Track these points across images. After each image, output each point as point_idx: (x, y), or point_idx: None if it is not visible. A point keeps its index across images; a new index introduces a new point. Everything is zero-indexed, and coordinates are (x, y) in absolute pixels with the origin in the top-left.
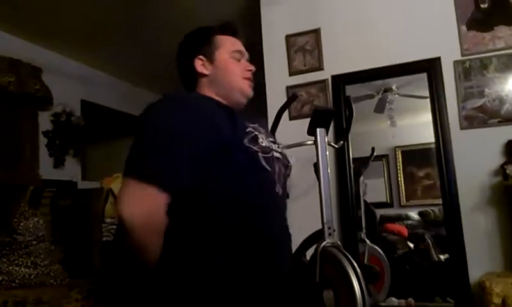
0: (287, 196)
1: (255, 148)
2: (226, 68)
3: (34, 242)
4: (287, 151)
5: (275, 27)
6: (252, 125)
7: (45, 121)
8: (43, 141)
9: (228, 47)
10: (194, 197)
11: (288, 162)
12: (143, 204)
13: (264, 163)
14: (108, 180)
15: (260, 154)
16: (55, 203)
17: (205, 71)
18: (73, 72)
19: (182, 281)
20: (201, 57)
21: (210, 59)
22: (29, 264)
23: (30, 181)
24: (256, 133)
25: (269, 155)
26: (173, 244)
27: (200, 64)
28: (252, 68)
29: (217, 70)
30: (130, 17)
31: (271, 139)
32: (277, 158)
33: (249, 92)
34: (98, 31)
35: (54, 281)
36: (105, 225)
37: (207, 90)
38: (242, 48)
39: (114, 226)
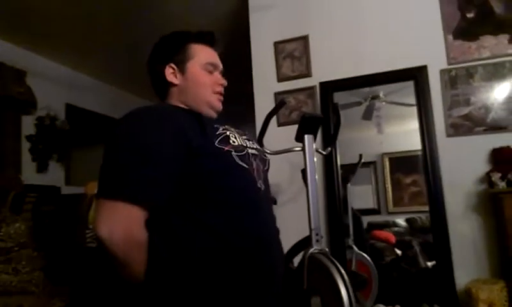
0: (275, 202)
1: (226, 148)
2: (196, 81)
3: (15, 248)
4: (275, 158)
5: (263, 34)
6: (222, 127)
7: (28, 125)
8: (26, 145)
9: (202, 58)
10: (176, 206)
11: (265, 156)
12: (119, 222)
13: (239, 161)
14: (92, 185)
15: (233, 153)
16: (37, 208)
17: (175, 81)
18: (58, 76)
19: (175, 290)
20: (172, 65)
21: (182, 69)
22: (10, 271)
23: (12, 186)
24: (228, 133)
25: (243, 152)
26: (161, 255)
27: (170, 73)
28: (223, 82)
29: (188, 81)
30: (117, 22)
31: (245, 137)
32: (253, 154)
33: (218, 106)
34: (85, 34)
35: (35, 288)
36: (89, 231)
37: (175, 99)
38: (217, 61)
39: None
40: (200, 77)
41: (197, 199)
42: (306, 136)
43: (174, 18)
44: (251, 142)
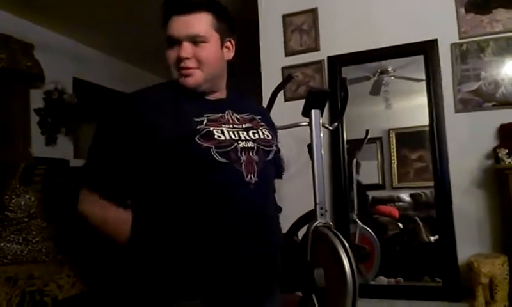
0: (280, 176)
1: (206, 144)
2: (167, 61)
3: (25, 219)
4: (282, 132)
5: (272, 7)
6: (213, 117)
7: (36, 98)
8: (35, 118)
9: (166, 33)
10: (153, 199)
11: (271, 146)
12: (92, 207)
13: (218, 157)
14: None
15: (213, 150)
16: (47, 180)
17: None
18: (66, 49)
19: (157, 267)
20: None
21: None
22: (20, 241)
23: (22, 158)
24: (212, 128)
25: (229, 148)
26: (143, 234)
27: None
28: (180, 53)
29: None
30: None
31: (246, 125)
32: (246, 147)
33: (187, 84)
34: (92, 7)
35: (45, 257)
36: None
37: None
38: (173, 32)
39: None
40: (167, 56)
41: (173, 190)
42: (313, 111)
43: None
44: (252, 131)
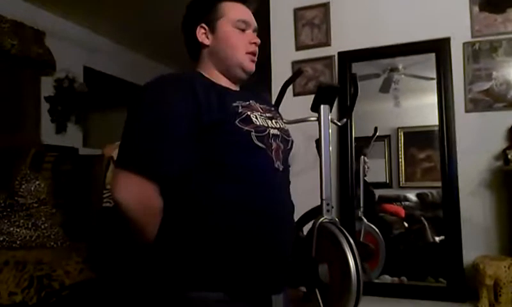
0: None
1: (246, 127)
2: (227, 41)
3: (35, 205)
4: (290, 127)
5: (283, 0)
6: (245, 104)
7: (47, 86)
8: (45, 106)
9: (233, 15)
10: (190, 176)
11: (288, 136)
12: (134, 191)
13: (257, 142)
14: (109, 148)
15: (253, 133)
16: (57, 167)
17: (206, 42)
18: (77, 38)
19: (183, 258)
20: (203, 25)
21: (213, 28)
22: (29, 226)
23: (32, 145)
24: (249, 112)
25: (264, 133)
26: (173, 222)
27: (202, 33)
28: (257, 40)
29: (218, 41)
30: None
31: (269, 115)
32: (274, 134)
33: (251, 68)
34: None
35: (54, 243)
36: (106, 191)
37: (206, 62)
38: (249, 18)
39: None
40: (231, 35)
41: (211, 172)
42: (322, 106)
43: None
44: (274, 120)
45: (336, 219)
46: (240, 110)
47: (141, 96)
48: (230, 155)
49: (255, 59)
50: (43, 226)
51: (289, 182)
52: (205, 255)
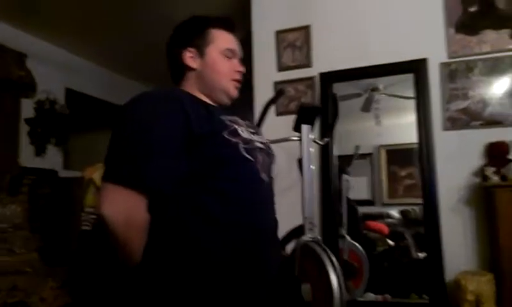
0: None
1: (234, 140)
2: (214, 67)
3: (10, 230)
4: (273, 147)
5: (265, 22)
6: (230, 118)
7: (27, 108)
8: (25, 128)
9: (221, 43)
10: (177, 191)
11: (271, 150)
12: (122, 205)
13: (245, 154)
14: (90, 170)
15: (241, 145)
16: (34, 190)
17: (193, 65)
18: (59, 60)
19: (170, 275)
20: (191, 49)
21: (201, 53)
22: (5, 252)
23: (9, 168)
24: (236, 126)
25: (250, 145)
26: (159, 238)
27: (189, 57)
28: (242, 69)
29: (205, 66)
30: (120, 6)
31: (252, 130)
32: (259, 148)
33: (234, 94)
34: (86, 18)
35: (30, 268)
36: (85, 214)
37: (191, 84)
38: (236, 47)
39: (94, 216)
40: (219, 62)
41: (199, 186)
42: (303, 126)
43: (177, 4)
44: (257, 135)
45: (319, 238)
46: (227, 123)
47: (128, 111)
48: (219, 167)
49: (239, 85)
50: (18, 251)
51: (273, 194)
52: (195, 277)
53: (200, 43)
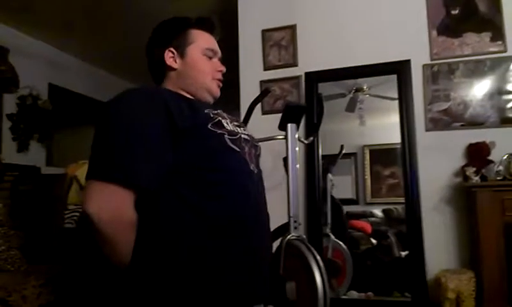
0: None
1: (219, 131)
2: (195, 66)
3: None
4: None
5: (251, 21)
6: (214, 111)
7: (10, 103)
8: (7, 124)
9: (202, 43)
10: (165, 186)
11: (256, 142)
12: (108, 201)
13: (231, 144)
14: (73, 167)
15: (226, 136)
16: (16, 187)
17: (174, 65)
18: (42, 55)
19: (160, 272)
20: (172, 49)
21: (181, 53)
22: None
23: None
24: (220, 118)
25: (236, 136)
26: (147, 236)
27: (170, 57)
28: (223, 68)
29: (187, 66)
30: (105, 2)
31: (236, 123)
32: (245, 139)
33: (217, 93)
34: (70, 13)
35: (11, 266)
36: (68, 212)
37: (173, 83)
38: (216, 47)
39: (77, 214)
40: (200, 62)
41: (186, 179)
42: (289, 125)
43: (163, 2)
44: (242, 128)
45: (304, 236)
46: (212, 116)
47: (112, 108)
48: (205, 158)
49: (221, 84)
50: None
51: (264, 186)
52: (184, 273)
53: (180, 44)
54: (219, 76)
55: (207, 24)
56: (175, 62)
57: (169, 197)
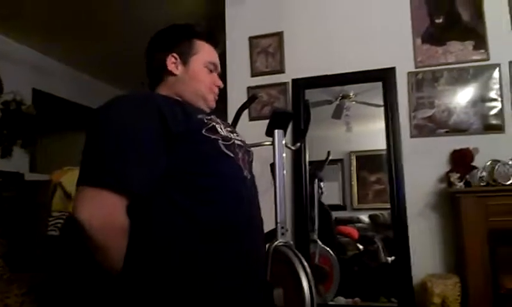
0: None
1: (214, 136)
2: (196, 76)
3: None
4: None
5: (239, 28)
6: (208, 117)
7: None
8: None
9: (205, 55)
10: (158, 192)
11: (249, 148)
12: (99, 208)
13: (225, 150)
14: (58, 173)
15: (220, 141)
16: None
17: (175, 71)
18: (26, 60)
19: (152, 279)
20: (175, 55)
21: (184, 61)
22: None
23: None
24: (214, 123)
25: (230, 142)
26: (142, 241)
27: (172, 62)
28: (220, 84)
29: (188, 74)
30: (90, 7)
31: (229, 129)
32: (238, 145)
33: (213, 104)
34: (55, 18)
35: None
36: (52, 219)
37: (169, 88)
38: (217, 62)
39: (61, 221)
40: (201, 73)
41: (178, 184)
42: (276, 131)
43: (151, 9)
44: (235, 134)
45: (291, 242)
46: (206, 121)
47: (105, 114)
48: (198, 163)
49: (217, 98)
50: None
51: (257, 191)
52: (180, 280)
53: (184, 51)
54: (216, 90)
55: (212, 38)
56: (177, 68)
57: (162, 203)
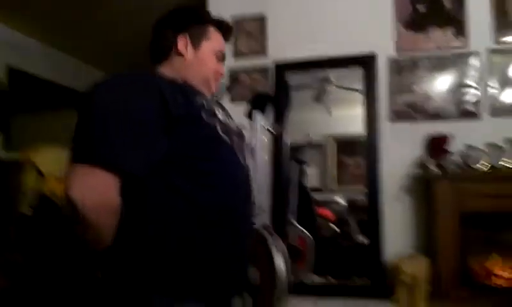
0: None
1: (213, 120)
2: (205, 61)
3: None
4: None
5: (221, 7)
6: (207, 100)
7: None
8: None
9: (216, 44)
10: (154, 173)
11: (243, 134)
12: (92, 187)
13: (222, 134)
14: (31, 152)
15: (218, 126)
16: None
17: (184, 53)
18: (2, 37)
19: (149, 261)
20: (187, 37)
21: (196, 44)
22: None
23: None
24: (213, 107)
25: (226, 127)
26: (136, 224)
27: (183, 44)
28: (224, 74)
29: (197, 58)
30: None
31: (226, 114)
32: (233, 130)
33: (213, 90)
34: None
35: None
36: (25, 197)
37: (173, 68)
38: (225, 52)
39: (34, 199)
40: (210, 59)
41: (179, 168)
42: (255, 113)
43: None
44: (231, 119)
45: (268, 223)
46: (205, 105)
47: (101, 92)
48: (199, 147)
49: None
50: None
51: (250, 176)
52: (176, 263)
53: (197, 34)
54: (219, 79)
55: (226, 29)
56: (186, 50)
57: (159, 186)
